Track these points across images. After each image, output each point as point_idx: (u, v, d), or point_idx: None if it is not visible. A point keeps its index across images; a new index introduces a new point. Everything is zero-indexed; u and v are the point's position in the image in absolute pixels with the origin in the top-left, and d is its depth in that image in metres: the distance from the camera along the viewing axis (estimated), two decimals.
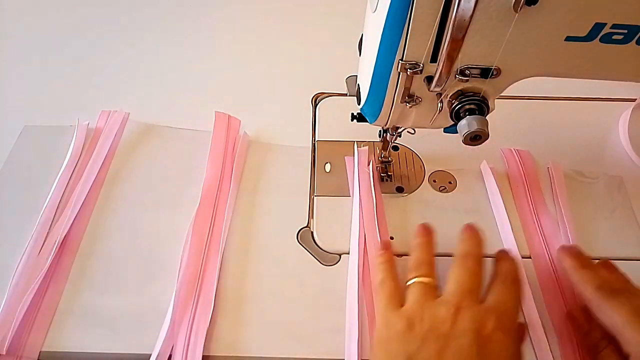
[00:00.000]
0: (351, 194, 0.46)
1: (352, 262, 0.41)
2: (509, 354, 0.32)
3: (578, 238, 0.43)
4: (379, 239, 0.42)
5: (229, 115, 0.52)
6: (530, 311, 0.39)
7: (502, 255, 0.38)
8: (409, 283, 0.36)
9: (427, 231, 0.39)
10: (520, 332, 0.35)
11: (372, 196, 0.44)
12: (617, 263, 0.38)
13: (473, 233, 0.38)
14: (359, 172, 0.46)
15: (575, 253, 0.39)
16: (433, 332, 0.32)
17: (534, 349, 0.37)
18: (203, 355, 0.36)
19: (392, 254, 0.39)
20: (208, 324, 0.37)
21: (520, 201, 0.46)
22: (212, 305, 0.38)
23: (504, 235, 0.44)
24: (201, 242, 0.42)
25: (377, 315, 0.36)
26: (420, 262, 0.37)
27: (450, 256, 0.42)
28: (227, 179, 0.47)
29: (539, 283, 0.41)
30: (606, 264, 0.38)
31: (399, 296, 0.36)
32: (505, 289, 0.35)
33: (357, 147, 0.49)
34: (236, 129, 0.52)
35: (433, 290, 0.35)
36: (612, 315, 0.33)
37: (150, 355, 0.35)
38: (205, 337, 0.37)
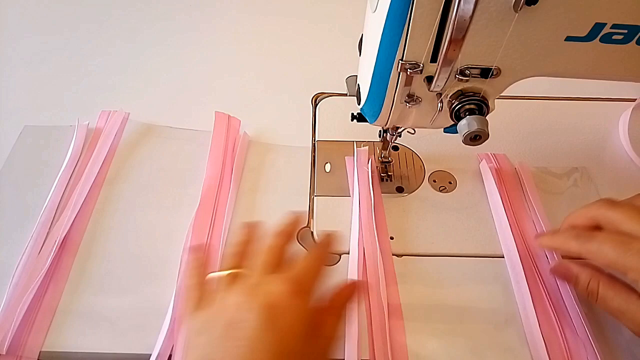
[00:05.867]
0: (351, 194, 0.46)
1: (352, 262, 0.41)
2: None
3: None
4: (377, 239, 0.42)
5: (229, 115, 0.52)
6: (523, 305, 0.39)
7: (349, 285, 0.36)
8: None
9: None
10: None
11: (371, 196, 0.44)
12: None
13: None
14: (359, 172, 0.47)
15: (543, 233, 0.42)
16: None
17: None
18: None
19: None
20: None
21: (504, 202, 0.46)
22: None
23: (501, 234, 0.43)
24: (201, 242, 0.42)
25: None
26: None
27: (449, 257, 0.42)
28: (227, 179, 0.47)
29: (527, 282, 0.40)
30: None
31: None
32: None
33: (357, 147, 0.49)
34: (236, 129, 0.52)
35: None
36: (599, 249, 0.34)
37: (150, 355, 0.35)
38: None
